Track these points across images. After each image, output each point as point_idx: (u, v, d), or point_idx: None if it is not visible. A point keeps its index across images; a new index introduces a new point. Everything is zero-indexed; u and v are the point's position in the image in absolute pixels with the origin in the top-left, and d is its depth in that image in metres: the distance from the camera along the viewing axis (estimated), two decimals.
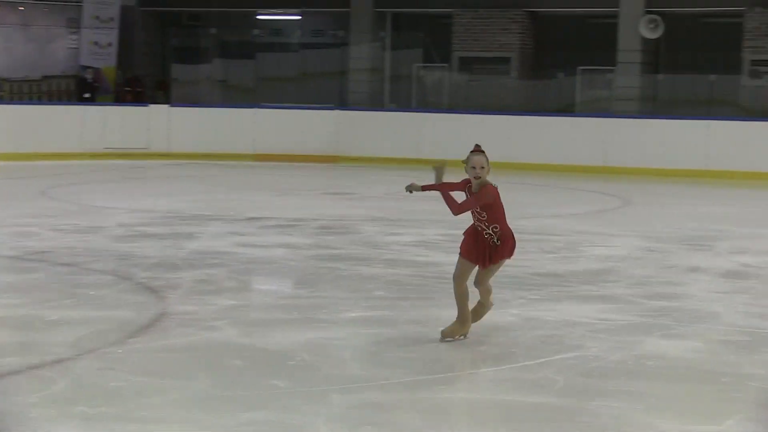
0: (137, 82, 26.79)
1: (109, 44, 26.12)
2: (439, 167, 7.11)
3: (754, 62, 23.14)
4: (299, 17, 27.79)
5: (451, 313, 7.74)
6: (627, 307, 8.15)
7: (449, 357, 6.52)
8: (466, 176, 6.96)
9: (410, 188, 7.15)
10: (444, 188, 7.10)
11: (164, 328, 7.22)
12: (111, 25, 26.15)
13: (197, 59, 27.90)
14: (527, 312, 7.84)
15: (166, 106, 24.14)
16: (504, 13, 25.00)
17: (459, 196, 6.99)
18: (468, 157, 6.91)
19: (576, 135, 22.34)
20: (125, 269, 9.38)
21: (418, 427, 5.22)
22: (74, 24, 26.09)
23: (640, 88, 23.89)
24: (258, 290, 9.29)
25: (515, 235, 6.99)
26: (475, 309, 7.12)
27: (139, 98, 25.86)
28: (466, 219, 7.06)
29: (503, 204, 6.97)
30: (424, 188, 7.15)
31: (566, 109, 24.72)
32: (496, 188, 6.92)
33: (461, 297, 6.97)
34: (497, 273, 7.11)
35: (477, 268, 7.01)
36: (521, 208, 15.59)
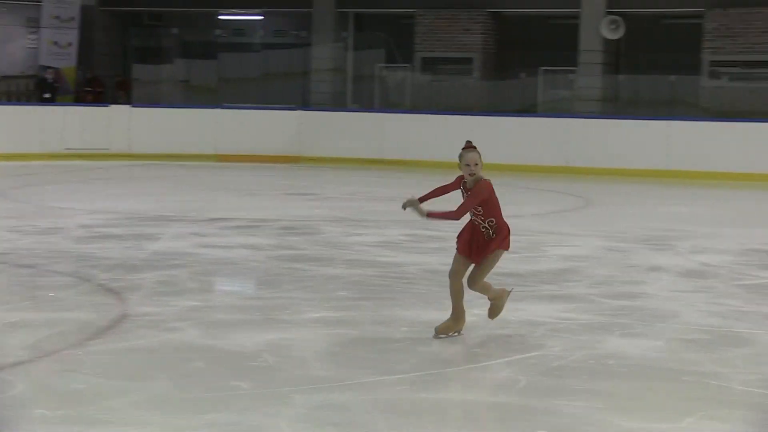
0: (98, 83, 26.63)
1: (69, 44, 25.95)
2: (409, 204, 7.07)
3: (714, 63, 23.31)
4: (261, 17, 27.74)
5: (413, 313, 7.76)
6: (589, 306, 8.18)
7: (412, 357, 6.52)
8: (458, 175, 7.01)
9: (407, 205, 7.10)
10: (440, 192, 7.14)
11: (125, 329, 7.18)
12: (71, 25, 25.97)
13: (159, 59, 27.78)
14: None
15: (127, 106, 24.01)
16: (466, 13, 25.06)
17: (456, 198, 7.01)
18: (461, 155, 6.95)
19: (538, 135, 22.41)
20: (86, 271, 9.32)
21: (381, 427, 5.22)
22: (34, 23, 25.91)
23: (601, 88, 24.02)
24: (220, 291, 9.25)
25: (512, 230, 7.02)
26: (490, 308, 7.18)
27: (99, 98, 25.71)
28: (459, 221, 7.04)
29: (498, 197, 6.99)
30: (422, 199, 7.11)
31: (528, 109, 24.81)
32: (490, 182, 6.95)
33: (456, 294, 7.03)
34: (494, 270, 7.10)
35: (472, 267, 6.99)
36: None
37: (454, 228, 7.21)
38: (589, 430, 5.22)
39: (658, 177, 20.76)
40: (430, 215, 6.93)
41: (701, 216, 14.96)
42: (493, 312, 7.23)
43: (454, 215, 6.92)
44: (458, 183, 7.05)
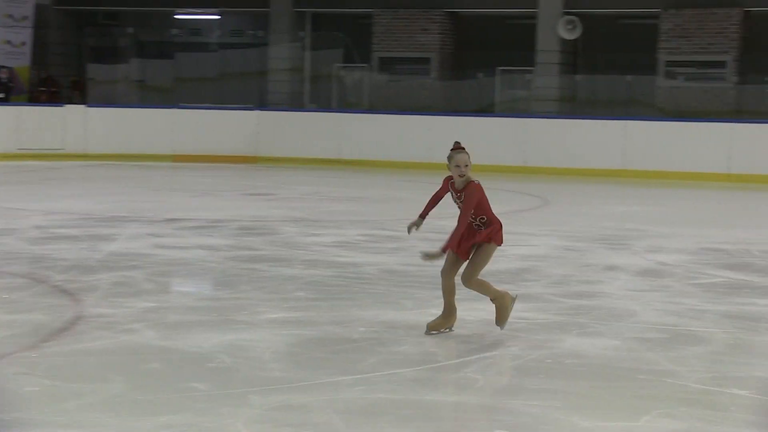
0: (52, 82, 26.41)
1: (23, 43, 25.72)
2: (413, 225, 7.30)
3: (669, 63, 23.48)
4: (218, 17, 27.63)
5: (370, 313, 7.75)
6: (546, 306, 8.21)
7: (370, 358, 6.50)
8: (446, 176, 7.08)
9: (412, 227, 7.29)
10: (434, 201, 7.27)
11: (80, 331, 7.11)
12: (25, 24, 25.74)
13: (114, 59, 27.60)
14: None
15: (82, 106, 23.83)
16: (424, 13, 25.08)
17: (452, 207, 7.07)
18: (451, 156, 7.00)
19: (495, 135, 22.46)
20: (40, 272, 9.23)
21: (339, 428, 5.20)
22: None
23: (558, 88, 24.13)
24: (177, 292, 9.19)
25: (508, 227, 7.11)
26: (496, 315, 7.12)
27: (54, 98, 25.50)
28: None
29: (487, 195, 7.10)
30: (422, 215, 7.31)
31: (486, 109, 24.88)
32: (479, 183, 6.99)
33: (447, 291, 7.10)
34: (489, 266, 7.13)
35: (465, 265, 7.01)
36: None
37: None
38: (547, 429, 5.23)
39: (614, 177, 20.88)
40: (447, 248, 6.98)
41: (657, 215, 15.05)
42: (500, 318, 7.12)
43: (460, 230, 6.99)
44: (446, 185, 7.11)
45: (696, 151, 21.17)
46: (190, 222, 12.89)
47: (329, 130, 23.48)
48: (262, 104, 25.35)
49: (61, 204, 14.68)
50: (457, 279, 7.12)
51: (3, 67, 25.04)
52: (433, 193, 7.27)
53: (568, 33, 24.00)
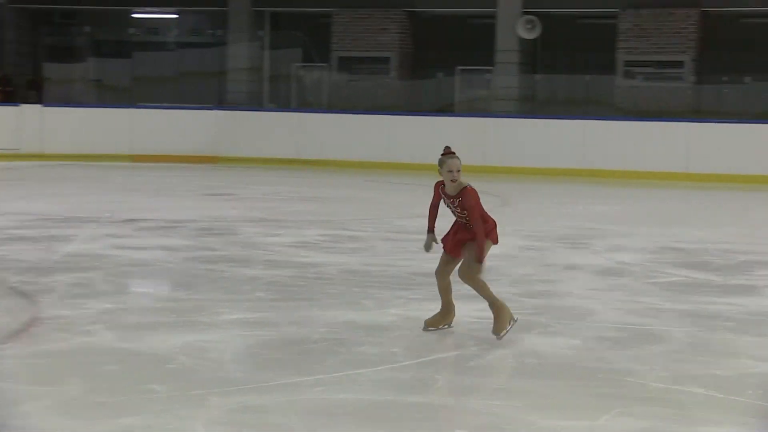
0: (7, 82, 26.16)
1: None
2: (430, 243, 7.21)
3: (628, 63, 23.62)
4: (176, 16, 27.49)
5: (331, 314, 7.73)
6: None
7: (330, 358, 6.48)
8: (437, 181, 7.09)
9: (431, 245, 7.21)
10: (435, 212, 7.23)
11: (37, 333, 7.04)
12: None
13: (71, 58, 27.39)
14: (407, 312, 7.84)
15: (38, 106, 23.64)
16: (383, 12, 25.09)
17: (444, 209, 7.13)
18: (442, 161, 6.99)
19: (455, 134, 22.46)
20: None
21: (299, 429, 5.17)
22: None
23: (518, 87, 24.21)
24: (135, 293, 9.12)
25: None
26: (494, 320, 7.01)
27: (9, 98, 25.27)
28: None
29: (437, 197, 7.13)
30: (431, 229, 7.24)
31: (445, 108, 24.92)
32: (473, 187, 7.02)
33: (442, 290, 7.15)
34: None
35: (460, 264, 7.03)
36: (401, 209, 15.64)
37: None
38: (507, 428, 5.23)
39: (574, 176, 20.97)
40: (482, 259, 6.96)
41: (616, 215, 15.12)
42: (496, 328, 6.99)
43: (481, 238, 6.95)
44: (438, 191, 7.11)
45: (654, 151, 21.32)
46: (149, 222, 12.80)
47: (288, 129, 23.44)
48: (221, 104, 25.26)
49: (18, 205, 14.55)
50: (455, 278, 7.09)
51: None
52: (430, 204, 7.23)
53: (528, 33, 24.08)
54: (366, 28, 25.25)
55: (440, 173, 7.01)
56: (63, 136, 22.80)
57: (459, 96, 25.08)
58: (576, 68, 24.41)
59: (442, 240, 7.17)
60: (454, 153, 7.02)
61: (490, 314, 7.73)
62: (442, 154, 7.02)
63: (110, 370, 6.16)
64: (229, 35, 26.02)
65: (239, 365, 6.34)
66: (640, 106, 23.14)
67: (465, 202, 6.96)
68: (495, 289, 8.86)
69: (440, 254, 7.19)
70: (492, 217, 7.15)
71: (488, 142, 22.28)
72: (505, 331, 6.95)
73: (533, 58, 25.14)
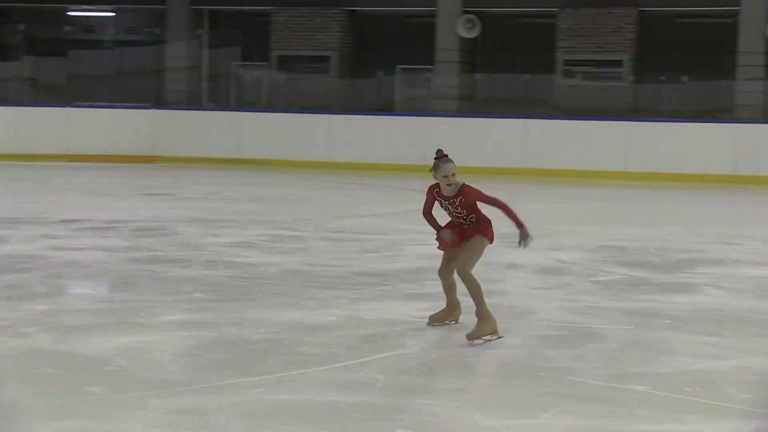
0: None
1: None
2: (447, 236, 7.20)
3: (567, 62, 23.78)
4: (113, 14, 27.24)
5: (271, 314, 7.69)
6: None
7: (271, 359, 6.43)
8: (430, 185, 7.17)
9: (449, 235, 7.19)
10: (430, 215, 7.27)
11: None
12: None
13: (4, 56, 27.03)
14: (348, 311, 7.82)
15: None
16: (323, 11, 25.04)
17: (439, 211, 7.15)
18: (437, 165, 7.04)
19: (396, 134, 22.52)
20: None
21: (240, 430, 5.13)
22: None
23: (458, 87, 24.28)
24: (72, 294, 9.00)
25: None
26: (476, 326, 6.95)
27: None
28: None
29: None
30: (440, 227, 7.24)
31: (386, 107, 24.93)
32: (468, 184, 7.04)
33: (447, 289, 7.25)
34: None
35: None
36: (342, 208, 15.61)
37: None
38: (449, 428, 5.22)
39: (514, 175, 21.06)
40: (523, 224, 7.21)
41: (556, 213, 15.20)
42: (473, 332, 6.92)
43: (510, 208, 7.22)
44: (432, 195, 7.15)
45: (594, 149, 21.48)
46: (86, 223, 12.67)
47: (228, 129, 23.33)
48: (159, 103, 25.07)
49: None
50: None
51: None
52: (428, 211, 7.27)
53: (467, 32, 24.16)
54: (306, 26, 25.18)
55: (435, 177, 7.00)
56: None
57: (399, 95, 25.10)
58: (516, 67, 24.54)
59: (439, 240, 7.17)
60: (446, 156, 7.03)
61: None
62: (435, 158, 7.05)
63: (47, 372, 6.07)
64: (167, 34, 25.84)
65: (178, 366, 6.27)
66: (580, 105, 23.31)
67: (468, 199, 7.00)
68: (436, 289, 8.88)
69: (439, 254, 7.24)
70: (487, 216, 7.17)
71: (429, 142, 22.28)
72: (480, 340, 6.88)
73: (473, 57, 25.23)
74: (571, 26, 23.75)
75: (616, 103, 23.28)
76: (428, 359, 6.51)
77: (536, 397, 5.79)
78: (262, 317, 7.57)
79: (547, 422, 5.33)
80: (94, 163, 21.97)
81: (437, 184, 7.05)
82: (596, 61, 23.63)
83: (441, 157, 7.02)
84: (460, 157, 24.19)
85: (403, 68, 24.93)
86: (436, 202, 7.13)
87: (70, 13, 27.36)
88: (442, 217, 7.25)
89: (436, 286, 8.95)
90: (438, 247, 7.23)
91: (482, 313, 6.95)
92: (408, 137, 22.39)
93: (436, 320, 7.29)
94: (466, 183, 7.04)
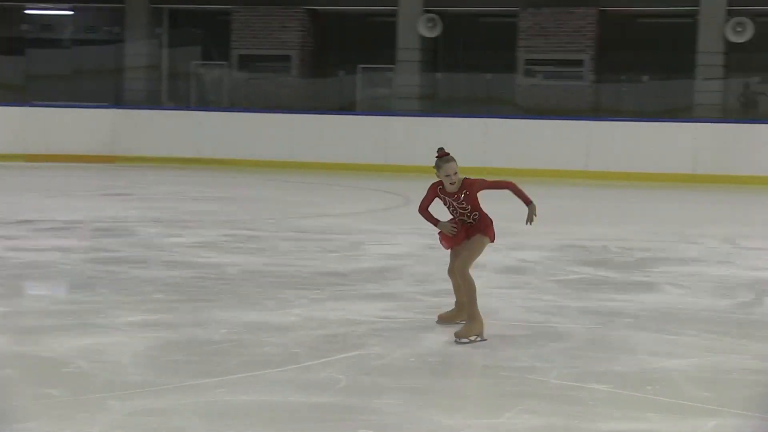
0: None
1: None
2: (445, 228, 7.22)
3: (528, 61, 23.85)
4: (71, 12, 27.04)
5: (232, 314, 7.65)
6: (409, 304, 8.20)
7: (231, 360, 6.40)
8: (432, 182, 7.17)
9: (450, 228, 7.21)
10: (428, 210, 7.26)
11: None
12: None
13: None
14: (310, 312, 7.79)
15: None
16: (283, 10, 24.98)
17: (438, 206, 7.18)
18: (439, 165, 7.04)
19: (357, 133, 22.51)
20: None
21: (200, 431, 5.10)
22: None
23: (419, 86, 24.30)
24: (30, 296, 8.92)
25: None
26: (463, 326, 7.02)
27: None
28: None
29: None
30: (437, 220, 7.22)
31: (347, 107, 24.91)
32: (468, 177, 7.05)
33: (457, 288, 7.21)
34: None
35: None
36: (303, 208, 15.58)
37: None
38: (411, 428, 5.21)
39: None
40: (530, 200, 7.36)
41: (517, 213, 15.19)
42: (461, 331, 6.98)
43: (518, 187, 7.37)
44: (434, 192, 7.14)
45: (555, 149, 21.56)
46: (45, 224, 12.57)
47: (188, 128, 23.23)
48: (119, 102, 24.91)
49: None
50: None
51: None
52: (425, 207, 7.26)
53: (429, 31, 24.17)
54: (266, 25, 25.11)
55: (437, 176, 6.98)
56: None
57: (361, 94, 25.09)
58: (477, 67, 24.58)
59: (443, 240, 7.18)
60: (448, 154, 7.02)
61: (396, 314, 7.74)
62: (437, 157, 7.03)
63: (5, 374, 6.01)
64: (126, 32, 25.68)
65: (138, 368, 6.22)
66: (541, 105, 23.39)
67: (473, 191, 7.08)
68: (398, 288, 8.88)
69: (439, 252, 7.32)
70: (489, 216, 7.23)
71: (390, 141, 22.31)
72: (467, 339, 6.90)
73: (434, 56, 25.25)
74: (532, 26, 23.82)
75: (577, 103, 23.38)
76: (390, 359, 6.49)
77: (498, 397, 5.79)
78: (223, 318, 7.53)
79: (509, 421, 5.33)
80: (53, 163, 21.80)
81: (440, 181, 7.05)
82: (557, 61, 23.72)
83: (442, 155, 7.01)
84: (421, 157, 24.34)
85: (364, 68, 24.91)
86: (439, 200, 7.12)
87: (27, 12, 27.13)
88: (443, 216, 7.22)
89: (398, 286, 8.96)
90: (445, 247, 7.22)
91: (473, 313, 7.00)
92: (369, 137, 22.38)
93: (444, 319, 7.30)
94: (468, 177, 7.04)
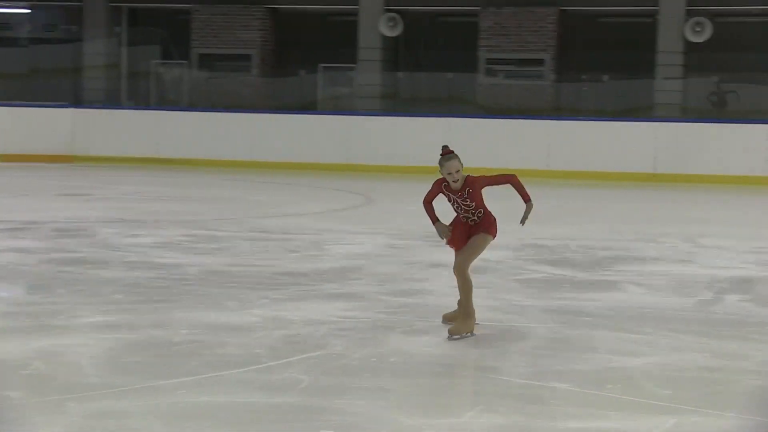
0: None
1: None
2: (445, 233, 7.24)
3: (489, 61, 23.90)
4: (28, 11, 26.82)
5: (193, 315, 7.60)
6: (371, 304, 8.18)
7: (192, 360, 6.35)
8: (437, 178, 7.15)
9: (445, 232, 7.23)
10: (431, 205, 7.27)
11: None
12: None
13: None
14: (271, 312, 7.76)
15: None
16: (244, 9, 24.90)
17: (441, 203, 7.18)
18: (441, 163, 7.03)
19: (319, 133, 22.47)
20: None
21: None
22: None
23: (381, 85, 24.30)
24: None
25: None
26: (456, 322, 7.08)
27: None
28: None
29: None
30: (437, 218, 7.27)
31: (308, 106, 24.87)
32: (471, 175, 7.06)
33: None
34: (480, 256, 7.26)
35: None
36: (264, 207, 15.53)
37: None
38: (372, 428, 5.19)
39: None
40: (529, 198, 7.28)
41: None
42: (455, 328, 7.06)
43: (518, 182, 7.28)
44: (439, 188, 7.14)
45: (516, 148, 21.62)
46: (2, 224, 12.48)
47: (148, 128, 23.11)
48: (78, 102, 24.74)
49: None
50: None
51: None
52: (429, 201, 7.26)
53: (390, 30, 24.17)
54: (227, 24, 25.02)
55: (440, 173, 7.04)
56: None
57: (322, 94, 25.06)
58: (438, 66, 24.61)
59: (449, 241, 7.21)
60: (452, 153, 7.01)
61: (356, 314, 7.71)
62: (441, 155, 7.01)
63: None
64: (84, 31, 25.50)
65: (97, 369, 6.17)
66: (502, 104, 23.45)
67: (476, 188, 7.06)
68: (359, 288, 8.86)
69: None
70: (492, 213, 7.23)
71: (351, 141, 22.29)
72: (459, 336, 6.98)
73: (396, 55, 25.26)
74: (493, 25, 23.88)
75: (537, 102, 23.46)
76: (352, 359, 6.47)
77: (460, 396, 5.79)
78: (183, 319, 7.48)
79: (471, 421, 5.33)
80: (10, 162, 21.62)
81: (444, 178, 7.04)
82: (518, 60, 23.79)
83: (446, 153, 7.00)
84: (383, 156, 24.28)
85: (325, 67, 24.87)
86: (444, 197, 7.11)
87: None
88: (447, 214, 7.17)
89: (360, 286, 8.95)
90: (451, 247, 7.22)
91: (467, 310, 7.07)
92: (331, 136, 22.35)
93: (449, 319, 7.32)
94: (470, 174, 7.04)
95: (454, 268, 7.24)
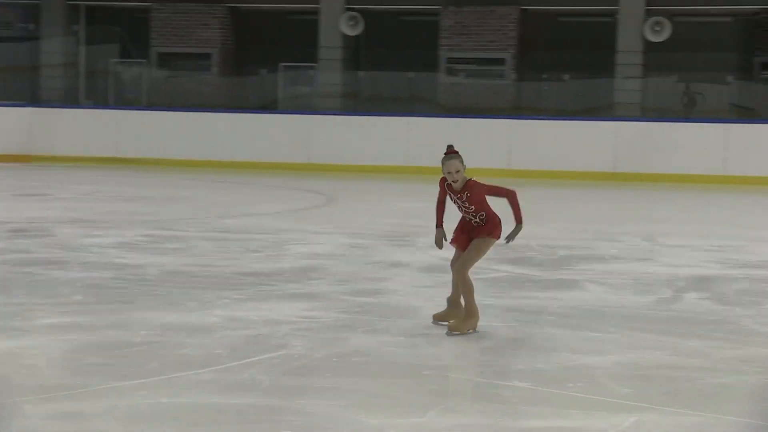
0: None
1: None
2: (440, 240, 7.30)
3: (450, 60, 23.93)
4: None
5: (152, 316, 7.55)
6: (331, 304, 8.16)
7: (151, 361, 6.30)
8: (441, 177, 7.15)
9: (441, 241, 7.30)
10: (442, 208, 7.27)
11: None
12: None
13: None
14: (231, 312, 7.72)
15: None
16: (204, 8, 24.80)
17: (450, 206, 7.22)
18: (442, 161, 7.04)
19: (279, 132, 22.42)
20: None
21: None
22: None
23: (341, 85, 24.28)
24: None
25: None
26: (456, 320, 7.11)
27: None
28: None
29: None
30: (440, 224, 7.31)
31: (269, 105, 24.81)
32: (474, 179, 7.08)
33: (456, 284, 7.21)
34: (485, 256, 7.28)
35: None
36: (225, 207, 15.46)
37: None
38: (334, 428, 5.17)
39: (398, 173, 21.10)
40: (521, 219, 7.18)
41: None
42: (455, 325, 7.11)
43: (515, 202, 7.19)
44: (443, 187, 7.15)
45: (477, 147, 21.61)
46: None
47: (106, 127, 22.96)
48: (35, 100, 24.54)
49: None
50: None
51: None
52: (438, 201, 7.28)
53: (351, 29, 24.15)
54: (186, 23, 24.90)
55: (443, 172, 7.06)
56: None
57: (282, 93, 25.00)
58: (399, 65, 24.62)
59: (453, 240, 7.20)
60: (455, 152, 7.01)
61: (317, 313, 7.69)
62: (444, 153, 6.99)
63: None
64: (42, 29, 25.30)
65: (55, 371, 6.11)
66: (463, 103, 23.48)
67: (474, 195, 7.03)
68: (320, 288, 8.83)
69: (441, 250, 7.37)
70: (497, 214, 7.20)
71: (312, 140, 22.25)
72: (459, 332, 7.04)
73: (356, 54, 25.24)
74: (454, 24, 23.91)
75: (498, 101, 23.51)
76: (313, 359, 6.45)
77: (421, 396, 5.77)
78: (143, 319, 7.42)
79: (433, 420, 5.32)
80: None
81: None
82: (479, 60, 23.84)
83: (448, 153, 7.00)
84: (343, 156, 24.25)
85: (285, 66, 24.82)
86: (448, 195, 7.11)
87: None
88: (454, 213, 7.24)
89: (321, 286, 8.92)
90: (455, 246, 7.22)
91: (470, 309, 7.12)
92: (291, 136, 22.30)
93: (439, 318, 7.33)
94: (473, 179, 7.02)
95: (455, 268, 7.21)
